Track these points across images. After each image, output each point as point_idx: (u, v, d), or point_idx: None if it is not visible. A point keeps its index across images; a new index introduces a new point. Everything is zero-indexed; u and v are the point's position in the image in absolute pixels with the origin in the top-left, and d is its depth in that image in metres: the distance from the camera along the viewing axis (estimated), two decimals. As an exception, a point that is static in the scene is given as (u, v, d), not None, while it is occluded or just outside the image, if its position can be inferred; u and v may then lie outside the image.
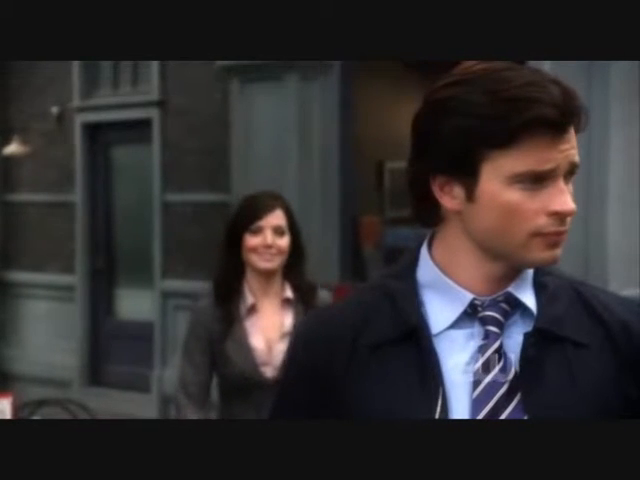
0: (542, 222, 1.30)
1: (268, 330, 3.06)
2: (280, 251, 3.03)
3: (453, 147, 1.30)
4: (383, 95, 8.40)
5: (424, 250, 1.40)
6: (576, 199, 1.32)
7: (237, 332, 3.02)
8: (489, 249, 1.34)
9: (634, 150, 5.86)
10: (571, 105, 1.29)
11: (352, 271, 7.04)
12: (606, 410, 1.32)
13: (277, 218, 3.04)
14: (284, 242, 3.04)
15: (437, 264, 1.38)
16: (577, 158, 1.31)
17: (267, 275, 3.06)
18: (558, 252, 1.32)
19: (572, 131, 1.31)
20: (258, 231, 3.02)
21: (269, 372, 3.00)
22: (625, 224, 5.79)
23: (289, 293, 3.09)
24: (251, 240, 3.02)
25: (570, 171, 1.32)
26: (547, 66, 5.70)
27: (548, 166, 1.28)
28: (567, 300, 1.37)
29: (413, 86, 7.66)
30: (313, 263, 3.47)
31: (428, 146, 1.34)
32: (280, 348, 3.00)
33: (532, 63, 5.52)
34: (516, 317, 1.36)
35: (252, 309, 3.07)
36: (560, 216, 1.30)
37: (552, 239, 1.31)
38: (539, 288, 1.37)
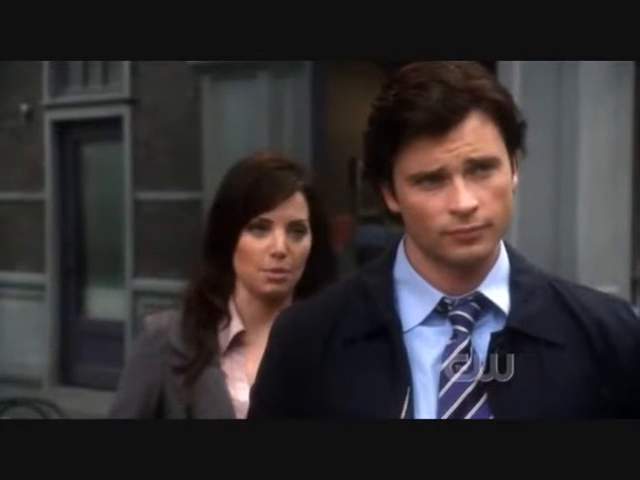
0: (446, 221, 1.30)
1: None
2: (296, 262, 1.86)
3: (374, 153, 1.35)
4: (355, 93, 8.41)
5: (401, 247, 1.41)
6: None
7: (211, 375, 1.85)
8: (423, 248, 1.36)
9: (603, 150, 5.91)
10: (451, 106, 1.28)
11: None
12: (580, 410, 1.32)
13: (295, 208, 1.87)
14: (302, 247, 1.87)
15: (410, 261, 1.39)
16: (477, 153, 1.29)
17: (271, 299, 1.89)
18: (476, 248, 1.31)
19: (466, 127, 1.29)
20: (264, 228, 1.85)
21: None
22: (595, 222, 5.84)
23: None
24: (250, 243, 1.85)
25: (474, 166, 1.29)
26: (518, 67, 5.74)
27: (435, 166, 1.29)
28: (543, 299, 1.37)
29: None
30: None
31: (367, 153, 1.38)
32: None
33: (503, 63, 5.55)
34: (488, 317, 1.36)
35: (237, 340, 1.89)
36: (459, 214, 1.29)
37: (460, 236, 1.30)
38: (514, 287, 1.38)
